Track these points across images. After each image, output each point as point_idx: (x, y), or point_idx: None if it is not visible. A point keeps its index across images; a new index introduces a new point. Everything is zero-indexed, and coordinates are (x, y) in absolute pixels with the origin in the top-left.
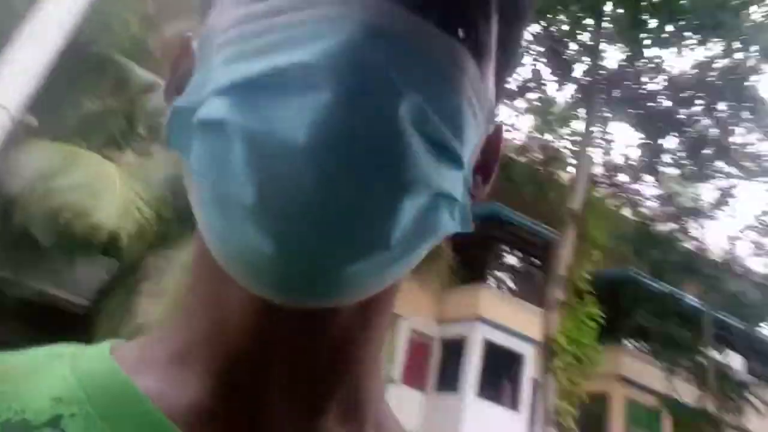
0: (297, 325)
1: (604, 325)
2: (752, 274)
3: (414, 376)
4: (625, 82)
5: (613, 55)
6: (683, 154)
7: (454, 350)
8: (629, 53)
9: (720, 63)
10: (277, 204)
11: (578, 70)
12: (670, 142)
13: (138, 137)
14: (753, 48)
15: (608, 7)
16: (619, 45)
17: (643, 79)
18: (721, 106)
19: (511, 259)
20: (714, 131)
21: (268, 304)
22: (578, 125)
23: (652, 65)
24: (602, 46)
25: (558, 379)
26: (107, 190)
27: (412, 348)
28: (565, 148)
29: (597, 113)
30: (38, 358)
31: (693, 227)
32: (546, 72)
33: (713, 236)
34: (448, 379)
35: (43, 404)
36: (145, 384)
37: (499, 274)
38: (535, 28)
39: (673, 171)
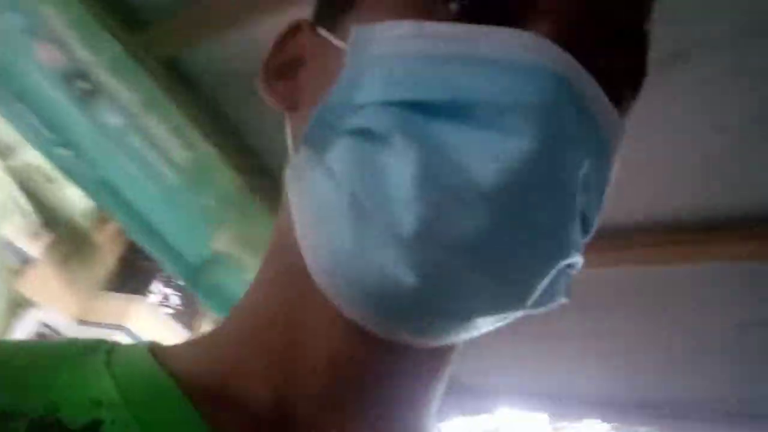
0: (387, 363)
1: None
2: None
3: None
4: None
5: None
6: None
7: None
8: None
9: None
10: (437, 241)
11: None
12: None
13: None
14: None
15: None
16: None
17: None
18: None
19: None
20: None
21: (359, 331)
22: None
23: None
24: None
25: None
26: None
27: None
28: None
29: None
30: (69, 349)
31: None
32: None
33: None
34: None
35: (79, 405)
36: (191, 390)
37: (166, 290)
38: None
39: None
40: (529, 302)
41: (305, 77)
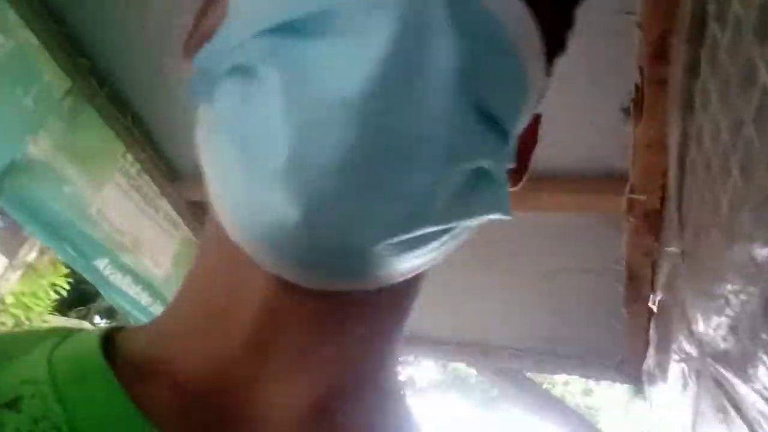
0: (312, 312)
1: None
2: None
3: None
4: None
5: None
6: None
7: None
8: None
9: None
10: (310, 163)
11: None
12: None
13: None
14: None
15: None
16: None
17: None
18: None
19: None
20: None
21: (281, 283)
22: None
23: None
24: None
25: None
26: None
27: None
28: None
29: None
30: (26, 339)
31: None
32: None
33: None
34: None
35: (11, 386)
36: (125, 369)
37: None
38: None
39: None
40: (431, 215)
41: None
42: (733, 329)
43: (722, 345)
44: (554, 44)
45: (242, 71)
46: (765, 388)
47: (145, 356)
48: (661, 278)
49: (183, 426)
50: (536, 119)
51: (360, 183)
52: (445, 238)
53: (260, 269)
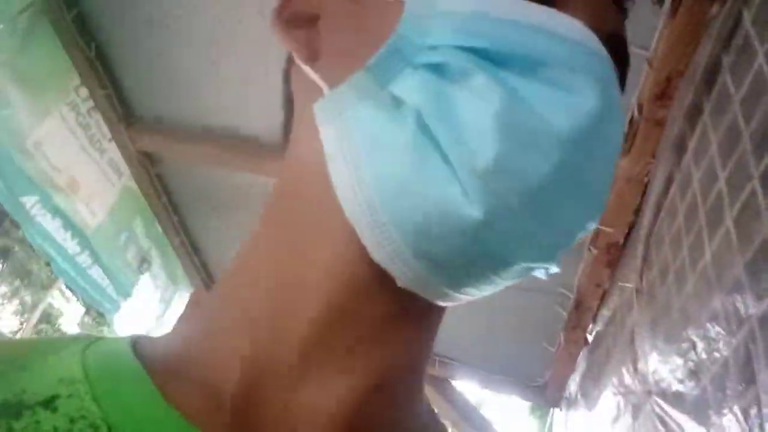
0: (379, 316)
1: None
2: None
3: None
4: None
5: None
6: None
7: None
8: None
9: None
10: (508, 178)
11: None
12: None
13: None
14: None
15: None
16: None
17: None
18: None
19: None
20: None
21: (371, 281)
22: None
23: None
24: None
25: None
26: None
27: None
28: None
29: None
30: (54, 343)
31: None
32: None
33: None
34: None
35: (45, 385)
36: (158, 369)
37: None
38: None
39: None
40: (558, 258)
41: (327, 28)
42: (694, 374)
43: (678, 387)
44: None
45: (447, 72)
46: None
47: (176, 357)
48: (606, 312)
49: (217, 424)
50: None
51: (540, 206)
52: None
53: (346, 266)
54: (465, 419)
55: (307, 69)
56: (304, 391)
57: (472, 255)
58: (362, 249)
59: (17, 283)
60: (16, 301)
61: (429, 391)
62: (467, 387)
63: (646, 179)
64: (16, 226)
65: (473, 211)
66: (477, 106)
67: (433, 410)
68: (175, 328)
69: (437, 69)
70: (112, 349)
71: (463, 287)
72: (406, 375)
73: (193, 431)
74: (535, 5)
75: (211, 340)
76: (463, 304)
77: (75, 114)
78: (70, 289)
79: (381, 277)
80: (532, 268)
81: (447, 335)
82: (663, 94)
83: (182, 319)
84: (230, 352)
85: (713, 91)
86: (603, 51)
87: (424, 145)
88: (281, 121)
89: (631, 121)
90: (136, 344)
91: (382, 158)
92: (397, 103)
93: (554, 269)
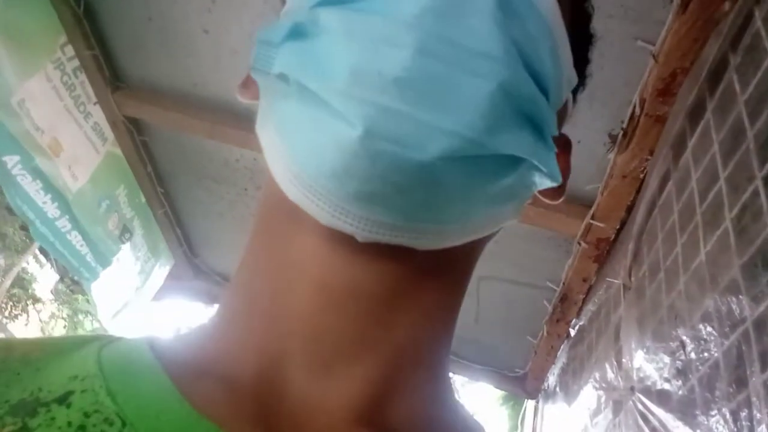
0: (368, 289)
1: None
2: None
3: None
4: None
5: None
6: None
7: None
8: None
9: None
10: (371, 78)
11: None
12: None
13: None
14: None
15: None
16: None
17: None
18: None
19: None
20: None
21: (341, 255)
22: None
23: None
24: None
25: None
26: None
27: None
28: None
29: None
30: (68, 343)
31: None
32: None
33: None
34: None
35: (60, 382)
36: (174, 366)
37: None
38: None
39: None
40: (494, 140)
41: None
42: (682, 373)
43: (663, 385)
44: (578, 62)
45: (303, 31)
46: None
47: (193, 355)
48: (591, 306)
49: (233, 419)
50: (568, 145)
51: (420, 93)
52: (502, 181)
53: (316, 237)
54: None
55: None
56: (317, 386)
57: (381, 172)
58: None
59: None
60: None
61: None
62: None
63: (642, 176)
64: (14, 209)
65: (353, 128)
66: (327, 40)
67: (456, 399)
68: (191, 333)
69: (295, 33)
70: (128, 347)
71: (417, 214)
72: (419, 361)
73: (206, 424)
74: None
75: (224, 334)
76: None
77: (60, 73)
78: (45, 254)
79: (348, 244)
80: (496, 172)
81: None
82: (666, 90)
83: (200, 325)
84: (242, 344)
85: (718, 90)
86: None
87: (305, 100)
88: None
89: (631, 116)
90: (153, 342)
91: (288, 134)
92: (282, 78)
93: (546, 179)
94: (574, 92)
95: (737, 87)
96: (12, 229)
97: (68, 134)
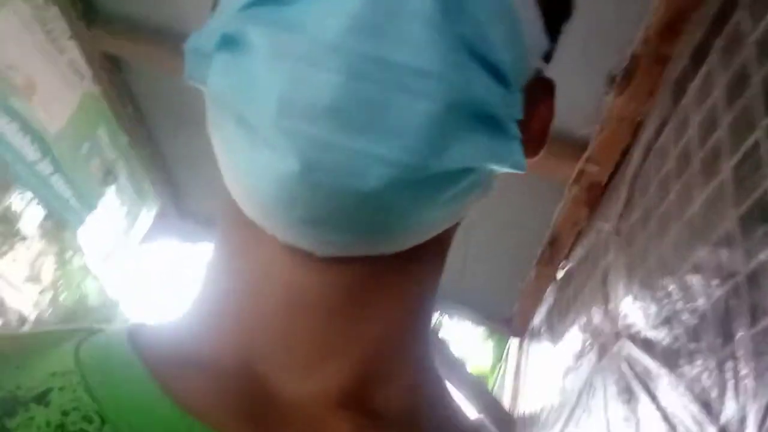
0: (334, 288)
1: None
2: None
3: None
4: None
5: None
6: None
7: None
8: None
9: None
10: (301, 108)
11: None
12: None
13: None
14: None
15: None
16: None
17: None
18: None
19: None
20: None
21: (302, 261)
22: None
23: None
24: None
25: None
26: None
27: None
28: None
29: None
30: (46, 339)
31: None
32: None
33: None
34: None
35: (38, 379)
36: (154, 358)
37: None
38: None
39: None
40: (431, 152)
41: None
42: (668, 321)
43: (649, 333)
44: (555, 3)
45: (229, 42)
46: (702, 389)
47: (173, 347)
48: (579, 250)
49: (214, 413)
50: (549, 88)
51: (353, 120)
52: (455, 189)
53: (278, 248)
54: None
55: None
56: (298, 378)
57: (326, 202)
58: None
59: None
60: None
61: None
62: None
63: (639, 118)
64: None
65: (289, 163)
66: (254, 60)
67: (442, 384)
68: (172, 322)
69: (223, 45)
70: (107, 340)
71: (373, 233)
72: (397, 346)
73: (187, 419)
74: None
75: (201, 330)
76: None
77: (30, 6)
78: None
79: (308, 254)
80: (442, 181)
81: None
82: (672, 28)
83: (182, 314)
84: (219, 342)
85: (726, 29)
86: None
87: (242, 125)
88: None
89: (633, 55)
90: (134, 334)
91: (232, 152)
92: (210, 95)
93: (507, 169)
94: (558, 28)
95: (747, 26)
96: None
97: (43, 72)
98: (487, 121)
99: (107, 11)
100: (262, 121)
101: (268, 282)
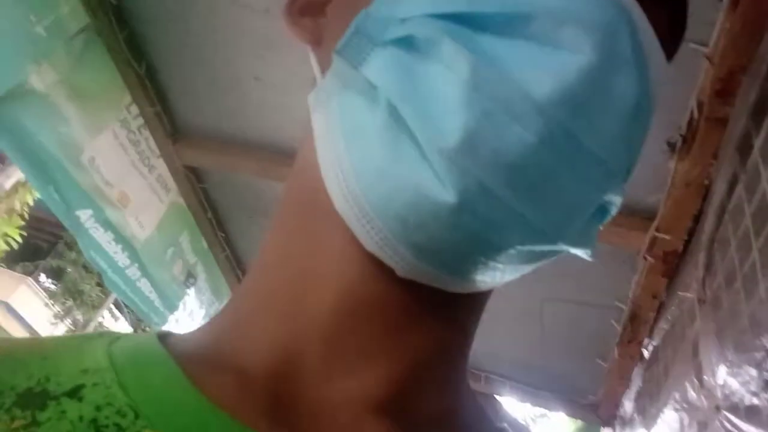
0: (396, 302)
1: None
2: None
3: None
4: None
5: None
6: None
7: None
8: None
9: None
10: (481, 154)
11: None
12: None
13: None
14: None
15: None
16: None
17: None
18: None
19: None
20: None
21: (376, 268)
22: None
23: None
24: None
25: None
26: None
27: None
28: None
29: None
30: (75, 338)
31: None
32: None
33: None
34: None
35: (69, 376)
36: (186, 358)
37: None
38: None
39: None
40: (566, 238)
41: (332, 11)
42: None
43: (752, 400)
44: None
45: (415, 45)
46: None
47: (205, 348)
48: (663, 324)
49: (245, 410)
50: None
51: (526, 183)
52: (552, 257)
53: (357, 253)
54: None
55: (311, 57)
56: (336, 381)
57: (453, 240)
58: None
59: (70, 302)
60: (69, 320)
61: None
62: (514, 404)
63: (706, 182)
64: (69, 247)
65: (446, 194)
66: (444, 78)
67: (478, 402)
68: (202, 327)
69: (404, 43)
70: (137, 341)
71: (462, 274)
72: (440, 362)
73: (220, 414)
74: None
75: (239, 328)
76: (513, 316)
77: (126, 131)
78: (119, 308)
79: (384, 266)
80: (546, 251)
81: (494, 350)
82: (724, 91)
83: (214, 315)
84: (258, 339)
85: None
86: None
87: (395, 128)
88: None
89: (690, 121)
90: (165, 336)
91: (359, 147)
92: (371, 86)
93: (581, 253)
94: None
95: None
96: (89, 286)
97: (135, 187)
98: (602, 212)
99: (190, 129)
100: (434, 144)
101: (328, 282)
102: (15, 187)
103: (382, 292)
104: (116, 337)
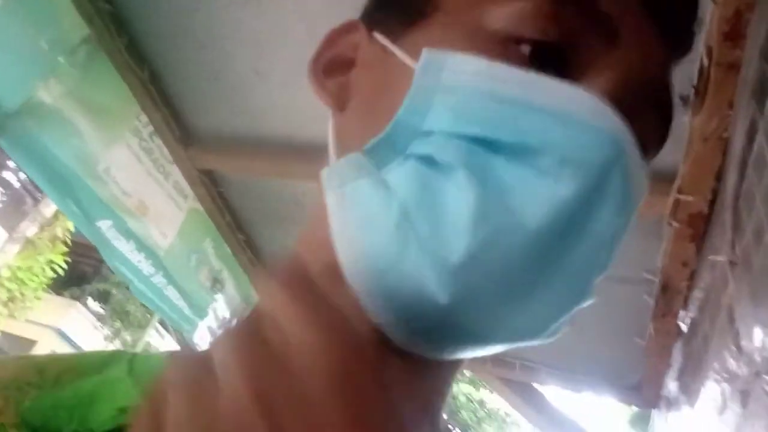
0: (392, 363)
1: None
2: None
3: None
4: None
5: None
6: None
7: None
8: None
9: None
10: (478, 271)
11: None
12: None
13: None
14: None
15: None
16: None
17: None
18: None
19: None
20: None
21: (374, 333)
22: None
23: None
24: None
25: None
26: None
27: None
28: None
29: None
30: (88, 363)
31: None
32: None
33: None
34: None
35: (107, 416)
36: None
37: None
38: None
39: None
40: (543, 335)
41: (357, 80)
42: None
43: None
44: None
45: (435, 164)
46: None
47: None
48: (697, 293)
49: None
50: None
51: (510, 296)
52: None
53: (357, 311)
54: (555, 425)
55: (330, 122)
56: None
57: (445, 333)
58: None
59: (118, 324)
60: (118, 342)
61: (513, 399)
62: (553, 392)
63: (725, 134)
64: (112, 270)
65: (441, 297)
66: (455, 201)
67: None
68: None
69: (425, 160)
70: (157, 366)
71: (454, 354)
72: (421, 420)
73: None
74: (547, 79)
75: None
76: None
77: (138, 139)
78: (164, 326)
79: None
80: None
81: None
82: (733, 32)
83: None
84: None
85: None
86: (613, 126)
87: (405, 232)
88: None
89: (700, 69)
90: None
91: (370, 237)
92: (388, 187)
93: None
94: None
95: None
96: (134, 307)
97: (152, 195)
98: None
99: (200, 133)
100: (440, 255)
101: (327, 349)
102: (56, 215)
103: (377, 355)
104: (130, 360)
